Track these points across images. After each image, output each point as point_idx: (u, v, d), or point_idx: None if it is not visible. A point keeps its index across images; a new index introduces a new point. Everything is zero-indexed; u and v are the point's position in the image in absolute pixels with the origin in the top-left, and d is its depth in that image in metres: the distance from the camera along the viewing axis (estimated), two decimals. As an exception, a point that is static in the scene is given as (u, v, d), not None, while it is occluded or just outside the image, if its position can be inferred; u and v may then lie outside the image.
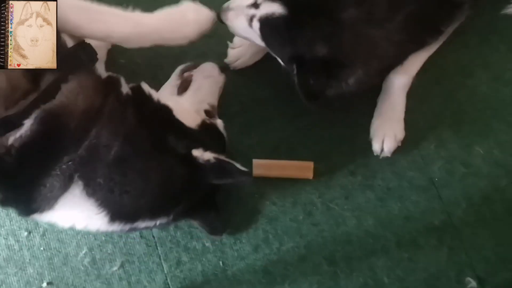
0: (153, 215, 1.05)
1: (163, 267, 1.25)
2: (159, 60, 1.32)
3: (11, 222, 1.25)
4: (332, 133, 1.30)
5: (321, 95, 1.06)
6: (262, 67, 1.32)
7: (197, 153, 1.05)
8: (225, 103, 1.30)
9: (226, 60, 1.32)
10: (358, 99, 1.25)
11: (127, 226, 1.04)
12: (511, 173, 1.28)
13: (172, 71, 1.29)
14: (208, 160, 1.05)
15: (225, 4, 1.16)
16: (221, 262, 1.25)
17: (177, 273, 1.24)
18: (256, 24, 1.09)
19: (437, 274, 1.25)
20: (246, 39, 1.20)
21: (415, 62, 1.26)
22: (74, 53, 0.98)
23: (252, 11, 1.09)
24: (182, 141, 1.05)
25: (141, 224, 1.05)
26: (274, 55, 1.15)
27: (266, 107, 1.31)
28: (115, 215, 1.01)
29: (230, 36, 1.29)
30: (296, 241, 1.26)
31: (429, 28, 1.16)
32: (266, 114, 1.31)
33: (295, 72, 1.05)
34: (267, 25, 1.07)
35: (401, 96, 1.27)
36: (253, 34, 1.12)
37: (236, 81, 1.29)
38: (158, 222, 1.07)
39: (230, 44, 1.33)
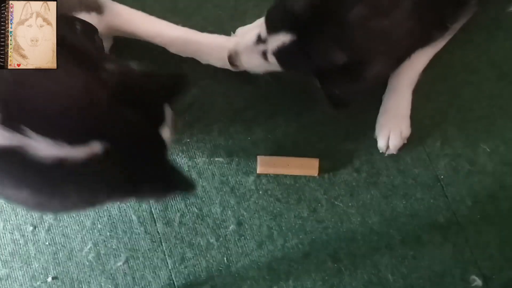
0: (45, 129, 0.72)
1: (167, 263, 1.25)
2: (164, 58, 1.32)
3: (17, 217, 1.26)
4: (337, 130, 1.30)
5: (349, 101, 1.05)
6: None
7: (110, 65, 0.85)
8: (229, 100, 1.31)
9: None
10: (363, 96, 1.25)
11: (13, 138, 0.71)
12: (516, 171, 1.28)
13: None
14: (113, 70, 0.84)
15: (231, 49, 1.17)
16: (225, 259, 1.25)
17: (182, 269, 1.25)
18: (272, 58, 1.08)
19: (442, 272, 1.25)
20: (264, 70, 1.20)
21: (421, 59, 1.26)
22: (70, 21, 0.97)
23: (262, 46, 1.09)
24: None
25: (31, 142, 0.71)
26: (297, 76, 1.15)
27: (270, 104, 1.31)
28: (7, 117, 0.71)
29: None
30: (300, 238, 1.26)
31: (435, 21, 1.16)
32: (270, 110, 1.31)
33: (319, 86, 1.04)
34: (283, 54, 1.05)
35: (407, 93, 1.26)
36: (272, 65, 1.12)
37: (240, 77, 1.29)
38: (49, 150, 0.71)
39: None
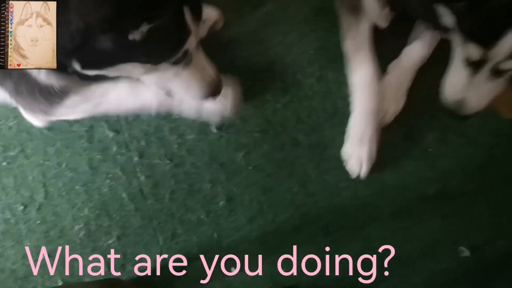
0: None
1: (158, 240, 1.25)
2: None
3: (7, 196, 1.26)
4: (324, 103, 1.30)
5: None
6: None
7: None
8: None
9: None
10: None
11: None
12: (507, 141, 1.28)
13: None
14: None
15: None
16: (216, 234, 1.25)
17: (173, 245, 1.25)
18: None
19: (432, 243, 1.26)
20: None
21: None
22: None
23: None
24: None
25: None
26: None
27: (258, 79, 1.29)
28: None
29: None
30: (291, 212, 1.27)
31: None
32: (259, 86, 1.30)
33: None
34: None
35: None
36: None
37: (224, 54, 1.28)
38: None
39: None
